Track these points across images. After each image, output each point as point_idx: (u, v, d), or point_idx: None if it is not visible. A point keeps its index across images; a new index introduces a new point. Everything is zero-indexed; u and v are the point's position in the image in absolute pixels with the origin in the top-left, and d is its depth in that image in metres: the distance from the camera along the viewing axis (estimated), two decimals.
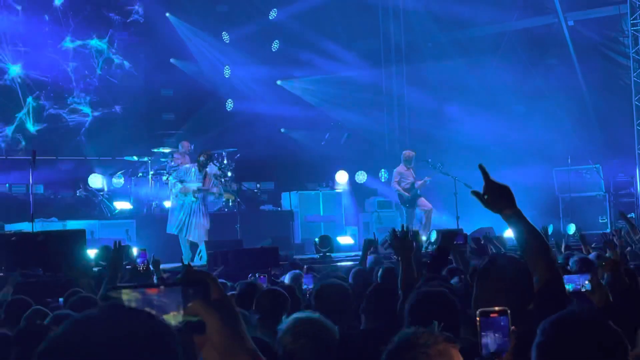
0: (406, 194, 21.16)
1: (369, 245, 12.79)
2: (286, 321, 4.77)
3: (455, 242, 8.26)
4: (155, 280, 11.38)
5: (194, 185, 18.11)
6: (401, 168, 21.45)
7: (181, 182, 18.18)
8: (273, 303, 6.45)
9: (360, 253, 18.43)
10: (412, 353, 3.01)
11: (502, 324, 2.92)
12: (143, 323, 2.04)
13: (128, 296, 2.15)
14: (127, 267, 15.36)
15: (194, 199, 18.11)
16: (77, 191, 22.20)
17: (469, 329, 4.68)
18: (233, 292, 8.76)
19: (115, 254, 8.21)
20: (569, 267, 8.58)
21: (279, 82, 26.46)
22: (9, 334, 5.91)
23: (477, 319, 2.92)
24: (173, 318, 2.17)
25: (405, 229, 7.66)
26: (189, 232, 18.14)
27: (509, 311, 2.91)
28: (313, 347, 4.61)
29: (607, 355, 2.87)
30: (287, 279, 9.95)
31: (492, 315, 2.93)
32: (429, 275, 7.42)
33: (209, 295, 2.21)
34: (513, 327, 2.89)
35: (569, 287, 5.78)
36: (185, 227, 18.16)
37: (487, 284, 4.51)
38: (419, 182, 21.31)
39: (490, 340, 2.90)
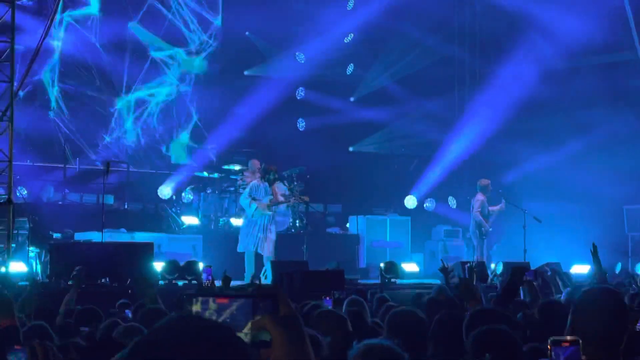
0: (487, 225, 20.86)
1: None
2: (357, 347, 4.80)
3: (525, 278, 8.23)
4: None
5: (265, 201, 18.25)
6: (482, 196, 21.06)
7: (254, 199, 18.29)
8: (333, 325, 6.48)
9: (425, 281, 18.52)
10: None
11: (573, 354, 2.93)
12: (223, 336, 2.12)
13: (200, 307, 2.23)
14: (193, 281, 15.64)
15: (269, 213, 18.25)
16: (146, 202, 22.55)
17: None
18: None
19: None
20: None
21: (352, 100, 26.64)
22: (83, 344, 6.04)
23: (549, 347, 2.94)
24: (244, 335, 2.24)
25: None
26: (262, 247, 18.28)
27: (580, 341, 2.93)
28: None
29: None
30: (345, 304, 9.94)
31: (564, 344, 2.95)
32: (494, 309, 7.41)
33: (277, 311, 2.26)
34: (584, 358, 2.91)
35: None
36: (257, 242, 18.28)
37: (582, 315, 4.49)
38: (496, 208, 21.06)
39: None
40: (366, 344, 4.71)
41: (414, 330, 6.44)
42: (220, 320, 2.23)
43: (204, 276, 10.37)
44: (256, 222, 18.32)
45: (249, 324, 2.23)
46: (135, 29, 23.84)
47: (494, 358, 4.80)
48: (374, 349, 4.62)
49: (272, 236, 18.46)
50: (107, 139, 23.57)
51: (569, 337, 2.97)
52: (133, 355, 2.08)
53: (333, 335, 6.02)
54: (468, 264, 11.73)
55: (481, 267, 18.00)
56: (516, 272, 8.64)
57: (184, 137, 24.62)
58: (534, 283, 9.21)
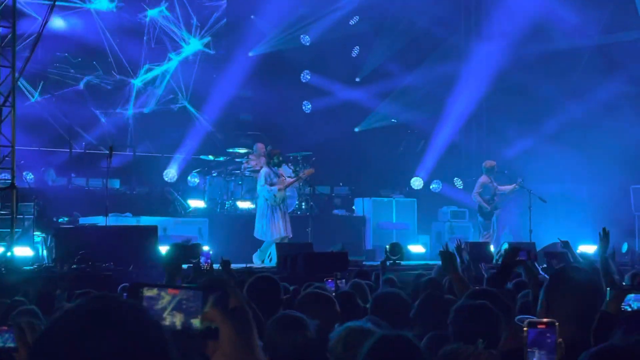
0: (486, 205, 20.94)
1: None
2: (338, 330, 4.81)
3: (518, 258, 8.18)
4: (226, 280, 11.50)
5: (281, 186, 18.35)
6: (484, 179, 21.16)
7: (272, 185, 18.33)
8: (318, 307, 6.50)
9: (431, 262, 18.51)
10: None
11: (549, 336, 2.91)
12: (132, 316, 2.12)
13: (156, 295, 2.24)
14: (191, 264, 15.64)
15: (286, 196, 18.40)
16: (152, 186, 22.59)
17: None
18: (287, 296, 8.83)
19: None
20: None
21: (357, 80, 26.60)
22: None
23: (525, 329, 2.92)
24: (199, 322, 2.25)
25: (458, 242, 7.74)
26: (288, 231, 18.45)
27: (557, 324, 2.91)
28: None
29: None
30: (348, 286, 9.94)
31: (539, 326, 2.92)
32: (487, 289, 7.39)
33: (227, 303, 2.27)
34: (560, 340, 2.89)
35: (635, 304, 5.76)
36: (277, 229, 18.36)
37: (554, 294, 4.52)
38: (509, 187, 21.07)
39: (536, 353, 2.90)
40: (347, 326, 4.72)
41: (397, 312, 6.46)
42: (170, 311, 2.24)
43: (202, 259, 10.31)
44: (278, 207, 18.38)
45: (199, 316, 2.25)
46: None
47: (476, 332, 4.81)
48: (354, 331, 4.63)
49: (288, 218, 18.63)
50: (103, 119, 23.63)
51: (545, 320, 2.95)
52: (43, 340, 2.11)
53: (321, 317, 6.02)
54: (457, 242, 11.69)
55: (483, 248, 18.00)
56: (508, 252, 8.60)
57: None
58: (531, 263, 9.18)
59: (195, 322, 2.24)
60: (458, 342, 4.92)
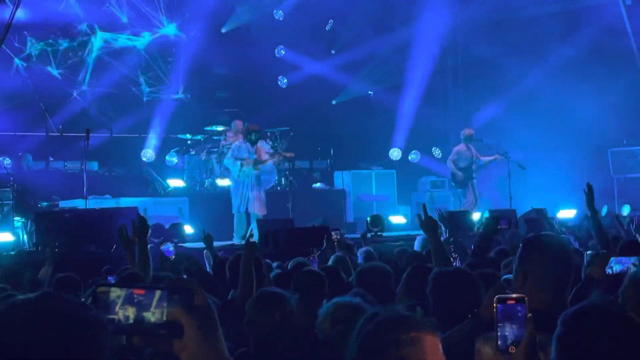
0: (459, 173, 20.99)
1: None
2: (326, 306, 4.81)
3: (499, 227, 8.21)
4: (209, 257, 11.51)
5: (250, 160, 18.16)
6: (460, 147, 21.22)
7: (236, 159, 18.20)
8: (310, 284, 6.51)
9: (412, 232, 18.53)
10: (384, 338, 3.04)
11: (519, 310, 2.89)
12: (73, 312, 2.32)
13: (113, 293, 2.26)
14: (179, 244, 15.65)
15: (255, 171, 18.18)
16: (130, 167, 22.49)
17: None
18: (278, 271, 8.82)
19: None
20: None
21: (333, 52, 26.48)
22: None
23: (495, 305, 2.90)
24: (152, 315, 2.25)
25: (439, 212, 7.72)
26: (250, 206, 18.22)
27: (526, 299, 2.89)
28: (351, 333, 4.65)
29: (629, 349, 2.86)
30: (331, 260, 9.95)
31: (509, 302, 2.90)
32: (473, 260, 7.43)
33: (192, 302, 2.28)
34: (529, 315, 2.87)
35: (616, 267, 5.80)
36: (246, 201, 18.23)
37: (528, 263, 4.53)
38: (489, 158, 21.07)
39: (507, 327, 2.89)
40: (335, 302, 4.73)
41: (381, 285, 6.47)
42: (122, 305, 2.26)
43: (167, 253, 10.06)
44: (243, 182, 18.24)
45: (163, 315, 2.25)
46: None
47: (455, 295, 4.84)
48: (342, 306, 4.64)
49: (263, 195, 18.44)
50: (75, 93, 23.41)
51: (514, 295, 2.93)
52: None
53: (308, 293, 6.04)
54: (438, 211, 11.70)
55: (463, 217, 18.03)
56: (488, 221, 8.62)
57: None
58: (512, 231, 9.20)
59: (148, 316, 2.25)
60: (437, 313, 4.95)
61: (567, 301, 4.49)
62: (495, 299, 2.88)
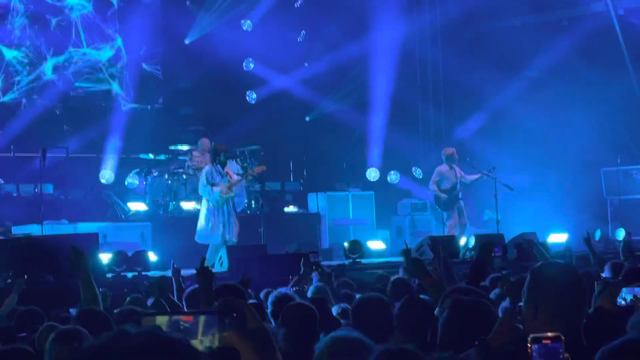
0: (443, 195, 20.91)
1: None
2: (324, 340, 4.81)
3: (493, 255, 8.26)
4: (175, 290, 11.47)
5: (225, 183, 17.97)
6: (443, 167, 21.09)
7: (213, 185, 18.02)
8: (301, 319, 6.50)
9: (392, 259, 18.55)
10: None
11: (555, 351, 2.88)
12: (178, 352, 2.13)
13: (158, 320, 2.24)
14: (142, 273, 15.61)
15: (232, 194, 18.05)
16: (88, 189, 22.34)
17: None
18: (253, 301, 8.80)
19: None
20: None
21: (306, 64, 26.41)
22: (30, 350, 6.01)
23: (529, 345, 2.89)
24: (200, 343, 2.24)
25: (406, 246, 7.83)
26: (231, 234, 18.11)
27: (563, 338, 2.89)
28: None
29: None
30: (310, 291, 9.93)
31: (544, 341, 2.90)
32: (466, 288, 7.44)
33: (245, 326, 2.27)
34: (567, 355, 2.89)
35: (628, 297, 5.84)
36: (227, 230, 18.08)
37: (537, 295, 4.55)
38: (474, 177, 20.98)
39: None
40: (332, 336, 4.72)
41: (379, 318, 6.47)
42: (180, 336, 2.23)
43: None
44: (222, 209, 18.09)
45: (215, 341, 2.24)
46: None
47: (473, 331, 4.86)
48: (340, 341, 4.64)
49: (237, 220, 18.31)
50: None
51: (550, 334, 2.93)
52: None
53: (299, 328, 6.04)
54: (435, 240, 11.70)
55: (449, 242, 18.03)
56: (484, 247, 8.65)
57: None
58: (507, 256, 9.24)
59: (195, 344, 2.23)
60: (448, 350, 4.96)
61: (582, 330, 4.51)
62: (530, 339, 2.88)
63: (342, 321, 7.50)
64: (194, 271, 16.00)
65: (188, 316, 2.26)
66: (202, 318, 2.26)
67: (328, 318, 7.14)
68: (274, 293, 8.54)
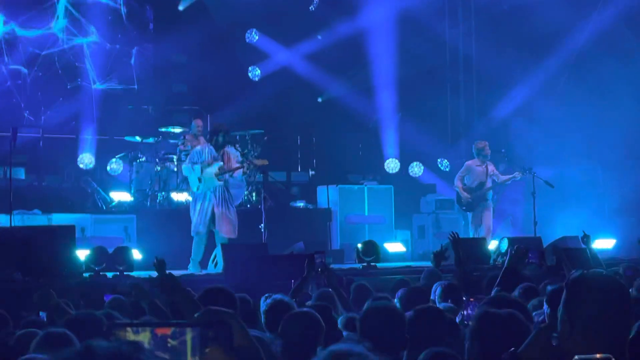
0: (465, 194, 20.82)
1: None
2: (322, 354, 4.80)
3: (528, 261, 8.26)
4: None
5: (214, 167, 17.88)
6: (473, 162, 21.09)
7: (194, 164, 17.95)
8: (304, 329, 6.51)
9: (413, 264, 18.56)
10: None
11: None
12: None
13: (137, 337, 2.21)
14: (125, 273, 15.64)
15: (219, 183, 17.94)
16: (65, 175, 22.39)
17: None
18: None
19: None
20: None
21: (319, 37, 26.31)
22: None
23: None
24: None
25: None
26: (219, 225, 18.01)
27: (612, 358, 2.90)
28: None
29: None
30: (313, 297, 9.93)
31: None
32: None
33: (232, 340, 2.24)
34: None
35: None
36: (207, 220, 17.98)
37: (575, 309, 4.55)
38: (505, 177, 20.93)
39: None
40: (332, 350, 4.71)
41: (391, 330, 6.47)
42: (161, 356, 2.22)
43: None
44: (204, 195, 17.98)
45: (196, 358, 2.22)
46: None
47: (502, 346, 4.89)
48: (339, 357, 4.62)
49: (233, 214, 18.22)
50: None
51: (598, 356, 2.94)
52: None
53: (300, 339, 6.05)
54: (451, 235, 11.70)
55: (476, 245, 18.01)
56: (517, 254, 8.65)
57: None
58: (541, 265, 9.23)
59: None
60: None
61: (626, 348, 4.51)
62: (576, 359, 2.89)
63: (343, 333, 7.51)
64: (184, 272, 16.16)
65: (165, 328, 2.24)
66: (189, 335, 2.23)
67: (330, 329, 7.13)
68: (267, 300, 8.53)
